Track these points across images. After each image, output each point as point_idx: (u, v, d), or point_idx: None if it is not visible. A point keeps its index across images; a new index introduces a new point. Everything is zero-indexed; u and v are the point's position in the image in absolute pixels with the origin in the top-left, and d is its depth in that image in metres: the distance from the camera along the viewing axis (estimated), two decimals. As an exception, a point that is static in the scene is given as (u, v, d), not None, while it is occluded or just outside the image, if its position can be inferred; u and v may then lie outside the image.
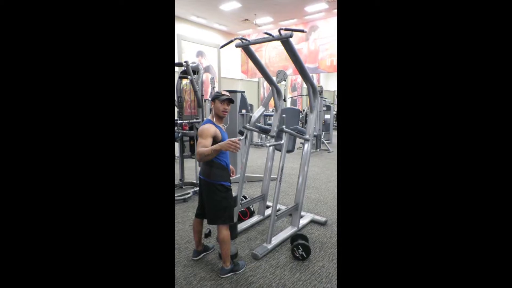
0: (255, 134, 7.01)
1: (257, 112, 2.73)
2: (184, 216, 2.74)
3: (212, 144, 1.62)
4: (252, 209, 2.75)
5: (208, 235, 2.30)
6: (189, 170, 4.23)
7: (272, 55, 11.21)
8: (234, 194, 1.96)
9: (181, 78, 3.48)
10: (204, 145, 1.59)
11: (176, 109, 3.51)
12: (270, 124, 2.71)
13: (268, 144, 2.25)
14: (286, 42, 1.91)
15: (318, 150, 6.53)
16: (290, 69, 10.05)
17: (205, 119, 1.74)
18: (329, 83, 16.26)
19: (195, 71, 3.32)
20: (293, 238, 2.09)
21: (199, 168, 3.37)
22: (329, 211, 2.88)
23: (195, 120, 3.34)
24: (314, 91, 2.42)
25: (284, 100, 4.58)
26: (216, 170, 1.72)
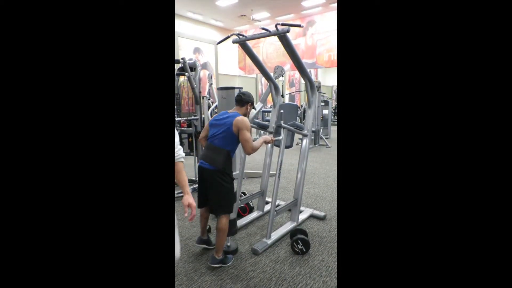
0: (254, 130, 7.01)
1: (255, 108, 2.73)
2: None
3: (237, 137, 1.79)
4: (252, 205, 2.77)
5: (208, 231, 2.31)
6: (188, 167, 4.24)
7: (270, 50, 11.16)
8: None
9: (178, 75, 3.47)
10: (250, 138, 1.76)
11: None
12: (268, 120, 2.71)
13: (266, 140, 2.25)
14: (283, 38, 1.90)
15: (316, 145, 6.54)
16: (288, 64, 10.02)
17: (232, 111, 1.89)
18: (327, 78, 16.24)
19: (192, 68, 3.31)
20: (293, 233, 2.11)
21: (197, 165, 3.37)
22: (328, 206, 2.90)
23: (193, 117, 3.33)
24: (311, 86, 2.42)
25: (282, 96, 4.57)
26: (227, 162, 1.79)
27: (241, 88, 4.03)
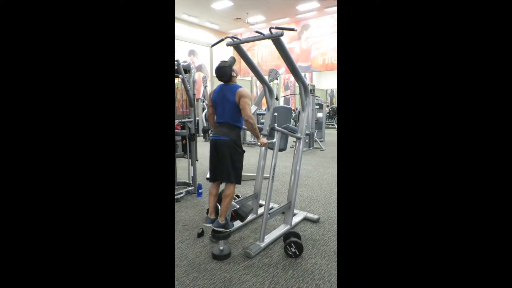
0: (248, 133, 7.00)
1: (249, 111, 2.72)
2: (177, 216, 2.72)
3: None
4: (245, 208, 2.75)
5: (201, 234, 2.30)
6: (181, 170, 4.21)
7: (265, 54, 11.20)
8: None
9: (172, 77, 3.45)
10: (249, 105, 1.96)
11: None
12: (262, 123, 2.71)
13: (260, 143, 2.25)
14: (277, 41, 1.91)
15: (311, 148, 6.56)
16: (283, 67, 10.06)
17: (227, 85, 2.08)
18: (321, 82, 16.35)
19: (187, 70, 3.30)
20: (286, 236, 2.11)
21: (191, 168, 3.35)
22: (321, 209, 2.91)
23: (187, 120, 3.32)
24: (305, 89, 2.43)
25: (277, 98, 4.59)
26: (239, 136, 2.05)
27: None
